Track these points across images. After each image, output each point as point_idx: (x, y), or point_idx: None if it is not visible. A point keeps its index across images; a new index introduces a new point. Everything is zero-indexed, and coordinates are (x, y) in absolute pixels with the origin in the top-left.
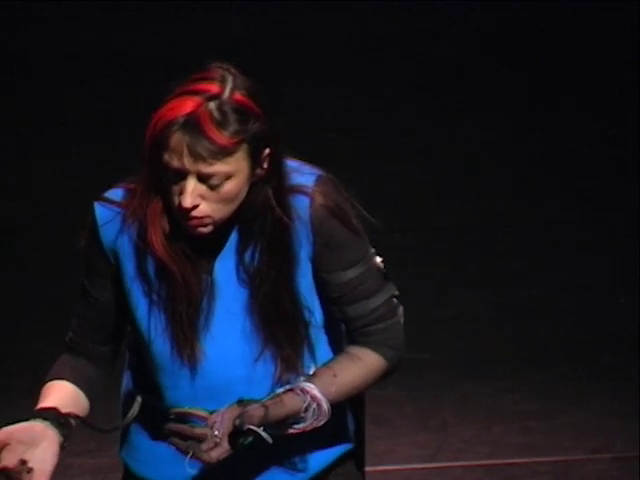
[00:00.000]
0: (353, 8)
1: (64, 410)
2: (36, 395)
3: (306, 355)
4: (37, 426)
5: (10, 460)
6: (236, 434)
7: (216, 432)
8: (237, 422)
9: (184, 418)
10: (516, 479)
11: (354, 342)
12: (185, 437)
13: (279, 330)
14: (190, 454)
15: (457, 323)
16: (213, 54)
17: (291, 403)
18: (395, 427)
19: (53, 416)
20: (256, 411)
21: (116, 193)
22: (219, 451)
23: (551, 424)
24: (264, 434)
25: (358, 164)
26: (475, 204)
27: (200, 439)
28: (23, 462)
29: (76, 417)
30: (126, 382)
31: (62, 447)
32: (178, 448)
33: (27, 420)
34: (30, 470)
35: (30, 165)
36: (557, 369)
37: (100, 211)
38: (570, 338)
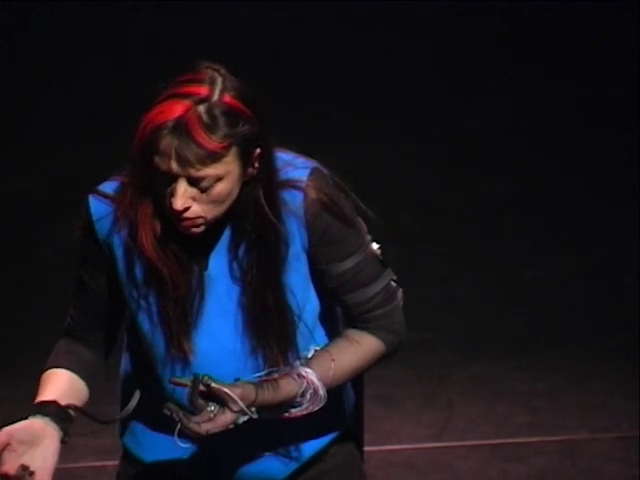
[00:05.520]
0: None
1: (64, 402)
2: (39, 376)
3: (292, 352)
4: (37, 424)
5: (11, 462)
6: None
7: (212, 407)
8: None
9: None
10: (522, 458)
11: (354, 327)
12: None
13: (265, 327)
14: (179, 421)
15: (463, 303)
16: (215, 50)
17: (287, 387)
18: (401, 407)
19: (53, 411)
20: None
21: (111, 186)
22: (211, 425)
23: (557, 403)
24: (248, 410)
25: (363, 148)
26: (479, 187)
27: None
28: (24, 467)
29: (76, 408)
30: (124, 364)
31: (63, 442)
32: (172, 414)
33: (28, 415)
34: (32, 473)
35: (30, 164)
36: (563, 349)
37: (95, 205)
38: (576, 318)
